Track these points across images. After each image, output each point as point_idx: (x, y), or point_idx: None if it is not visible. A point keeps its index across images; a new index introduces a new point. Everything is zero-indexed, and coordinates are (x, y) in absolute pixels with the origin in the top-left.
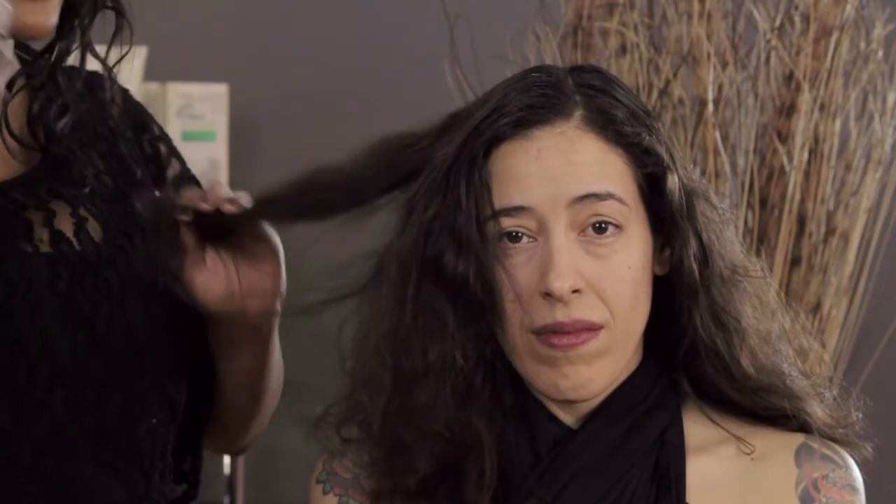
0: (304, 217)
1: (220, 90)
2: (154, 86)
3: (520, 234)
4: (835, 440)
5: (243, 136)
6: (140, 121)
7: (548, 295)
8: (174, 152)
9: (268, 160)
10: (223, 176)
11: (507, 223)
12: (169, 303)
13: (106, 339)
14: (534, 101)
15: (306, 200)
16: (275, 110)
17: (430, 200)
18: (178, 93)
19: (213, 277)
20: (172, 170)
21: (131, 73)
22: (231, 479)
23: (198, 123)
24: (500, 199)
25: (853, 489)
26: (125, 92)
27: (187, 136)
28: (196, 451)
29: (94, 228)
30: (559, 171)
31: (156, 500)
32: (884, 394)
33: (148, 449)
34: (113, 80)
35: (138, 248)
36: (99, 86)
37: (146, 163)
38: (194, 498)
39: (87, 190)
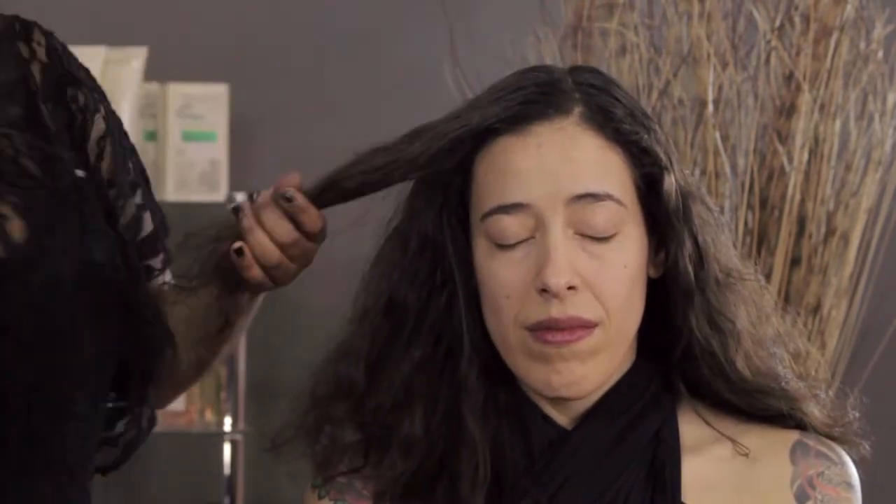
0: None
1: (220, 90)
2: (154, 86)
3: (514, 245)
4: (833, 438)
5: (243, 136)
6: (66, 73)
7: (543, 291)
8: (104, 100)
9: (268, 160)
10: (223, 176)
11: (505, 221)
12: (94, 298)
13: (32, 346)
14: (533, 97)
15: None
16: (275, 110)
17: (420, 197)
18: (178, 93)
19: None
20: (96, 130)
21: (131, 73)
22: (231, 479)
23: (198, 123)
24: (500, 196)
25: (849, 486)
26: (50, 40)
27: (187, 136)
28: (134, 417)
29: (15, 228)
30: (558, 167)
31: (78, 497)
32: (884, 394)
33: (73, 447)
34: (31, 29)
35: (61, 241)
36: (18, 38)
37: (69, 123)
38: (124, 461)
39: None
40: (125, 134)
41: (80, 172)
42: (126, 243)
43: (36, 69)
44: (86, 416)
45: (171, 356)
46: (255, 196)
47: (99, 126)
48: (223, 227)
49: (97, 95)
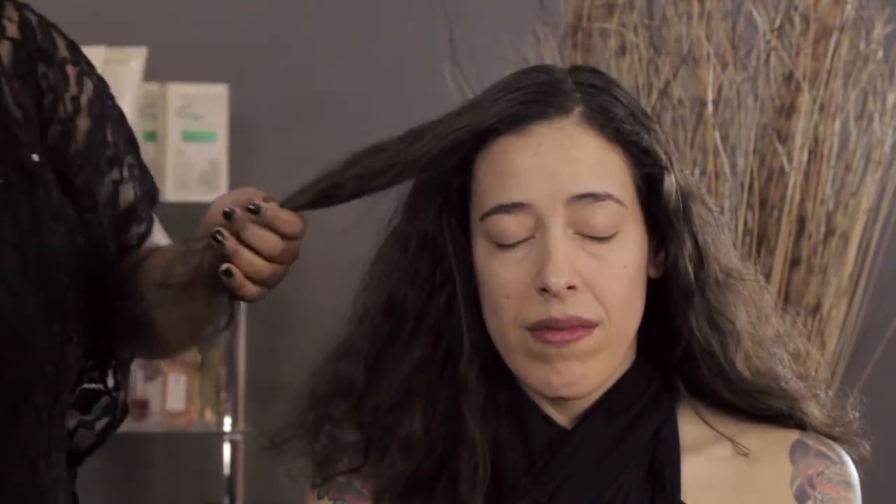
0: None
1: (220, 90)
2: (154, 86)
3: (514, 245)
4: (833, 438)
5: (243, 136)
6: (38, 49)
7: (543, 290)
8: (88, 72)
9: (268, 160)
10: (223, 176)
11: (506, 220)
12: (46, 287)
13: None
14: (533, 97)
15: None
16: (275, 110)
17: (420, 197)
18: (178, 93)
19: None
20: (86, 94)
21: (131, 73)
22: (231, 479)
23: (198, 123)
24: (500, 196)
25: (848, 485)
26: (23, 14)
27: (187, 136)
28: (111, 401)
29: None
30: (557, 166)
31: (42, 488)
32: (884, 394)
33: (33, 439)
34: (2, 5)
35: (7, 230)
36: None
37: (38, 101)
38: (100, 445)
39: None
40: (111, 98)
41: (35, 157)
42: (101, 225)
43: (5, 48)
44: (46, 408)
45: (148, 342)
46: (231, 215)
47: (69, 105)
48: (207, 249)
49: (83, 68)
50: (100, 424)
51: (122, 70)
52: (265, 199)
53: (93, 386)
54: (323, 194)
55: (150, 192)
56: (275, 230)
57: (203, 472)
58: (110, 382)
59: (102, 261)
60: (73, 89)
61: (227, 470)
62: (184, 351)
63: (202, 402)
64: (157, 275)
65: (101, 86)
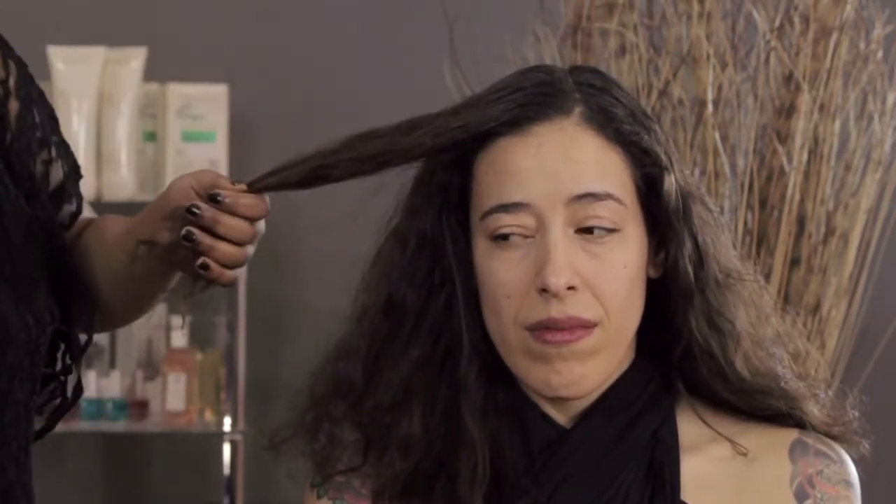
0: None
1: (220, 90)
2: (154, 86)
3: (511, 236)
4: (833, 437)
5: (243, 136)
6: None
7: (543, 291)
8: (9, 54)
9: (268, 160)
10: None
11: (505, 220)
12: (17, 281)
13: None
14: (533, 98)
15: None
16: (275, 110)
17: (420, 197)
18: (178, 93)
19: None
20: (13, 76)
21: (131, 73)
22: (231, 479)
23: (198, 123)
24: (500, 195)
25: (848, 484)
26: None
27: (187, 137)
28: (59, 384)
29: None
30: (558, 167)
31: (24, 482)
32: (883, 394)
33: (14, 434)
34: None
35: None
36: None
37: None
38: (49, 430)
39: None
40: (31, 80)
41: None
42: (45, 208)
43: None
44: (24, 402)
45: (99, 323)
46: (194, 210)
47: (13, 72)
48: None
49: (5, 50)
50: (49, 408)
51: (122, 70)
52: (233, 183)
53: (43, 370)
54: (314, 174)
55: (75, 167)
56: (240, 216)
57: (203, 472)
58: (59, 366)
59: (53, 243)
60: (0, 73)
61: (227, 470)
62: (129, 321)
63: (202, 402)
64: (142, 234)
65: (22, 66)
